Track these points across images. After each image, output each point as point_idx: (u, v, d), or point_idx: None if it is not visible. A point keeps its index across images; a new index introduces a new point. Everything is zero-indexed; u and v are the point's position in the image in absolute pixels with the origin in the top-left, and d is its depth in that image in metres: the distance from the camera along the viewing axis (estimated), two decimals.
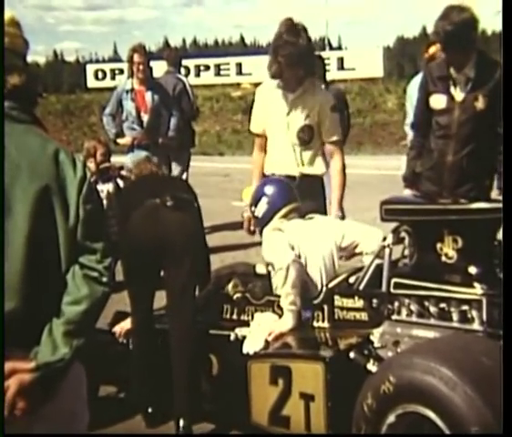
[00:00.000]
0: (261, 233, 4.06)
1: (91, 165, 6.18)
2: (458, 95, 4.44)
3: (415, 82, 5.90)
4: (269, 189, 4.12)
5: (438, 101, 4.50)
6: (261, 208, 4.06)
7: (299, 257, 3.73)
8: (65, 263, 2.00)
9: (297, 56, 4.34)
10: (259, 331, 3.70)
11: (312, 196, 4.48)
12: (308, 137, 4.54)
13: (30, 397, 1.93)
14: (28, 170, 1.97)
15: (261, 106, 4.67)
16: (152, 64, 7.89)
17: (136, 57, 7.61)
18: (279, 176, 4.42)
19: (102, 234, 2.08)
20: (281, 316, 3.72)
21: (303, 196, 4.25)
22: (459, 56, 4.38)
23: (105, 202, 6.14)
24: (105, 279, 2.03)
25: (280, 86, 4.55)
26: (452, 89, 4.46)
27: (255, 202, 4.11)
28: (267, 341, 3.62)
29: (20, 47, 2.15)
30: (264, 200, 4.06)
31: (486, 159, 4.43)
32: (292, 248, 3.73)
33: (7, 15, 2.13)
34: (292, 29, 4.38)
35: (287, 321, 3.66)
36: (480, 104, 4.37)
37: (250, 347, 3.63)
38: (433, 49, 6.88)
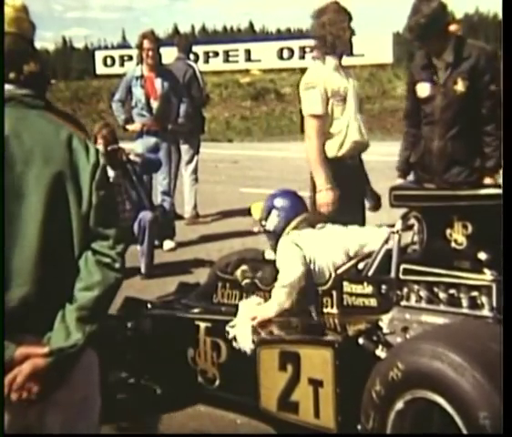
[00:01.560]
0: (273, 247, 4.03)
1: (99, 146, 6.18)
2: (440, 80, 4.51)
3: None
4: (279, 202, 4.08)
5: (423, 89, 4.63)
6: (273, 222, 4.03)
7: (311, 268, 3.76)
8: (77, 249, 2.01)
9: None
10: (244, 325, 3.71)
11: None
12: None
13: (44, 382, 1.94)
14: (42, 156, 1.98)
15: (324, 88, 4.72)
16: (161, 50, 7.88)
17: (145, 43, 7.61)
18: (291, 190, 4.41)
19: (115, 220, 2.09)
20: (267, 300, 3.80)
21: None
22: (435, 44, 4.47)
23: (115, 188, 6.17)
24: (117, 265, 2.04)
25: (337, 68, 4.78)
26: (434, 76, 4.53)
27: (265, 216, 4.07)
28: (255, 329, 3.65)
29: (28, 32, 2.14)
30: (275, 213, 4.03)
31: (471, 141, 4.50)
32: (306, 260, 3.75)
33: (17, 1, 2.12)
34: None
35: (270, 309, 3.71)
36: (460, 86, 4.46)
37: (243, 345, 3.65)
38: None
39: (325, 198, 4.59)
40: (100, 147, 6.21)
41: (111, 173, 6.29)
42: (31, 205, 1.95)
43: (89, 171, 2.03)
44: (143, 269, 6.54)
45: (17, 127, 1.98)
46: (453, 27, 6.32)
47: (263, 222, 4.09)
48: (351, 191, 4.67)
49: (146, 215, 6.50)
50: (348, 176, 4.71)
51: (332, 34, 4.73)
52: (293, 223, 3.98)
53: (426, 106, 4.59)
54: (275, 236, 4.01)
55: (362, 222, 4.67)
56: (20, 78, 2.05)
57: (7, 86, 2.03)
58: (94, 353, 2.15)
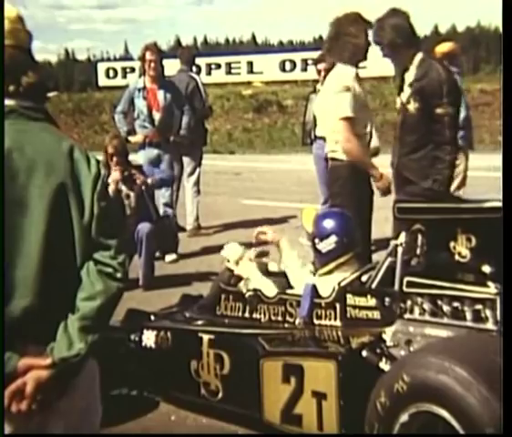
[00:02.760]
0: (316, 268, 3.95)
1: (116, 173, 6.27)
2: (402, 97, 4.57)
3: None
4: (338, 226, 3.86)
5: (397, 102, 4.67)
6: (328, 246, 3.83)
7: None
8: (79, 259, 2.02)
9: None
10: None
11: None
12: None
13: (47, 392, 1.94)
14: (44, 167, 1.99)
15: (354, 91, 4.84)
16: (164, 62, 7.91)
17: (148, 55, 7.64)
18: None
19: (116, 230, 2.09)
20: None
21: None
22: (399, 59, 4.47)
23: (126, 201, 6.20)
24: (119, 275, 2.04)
25: (357, 76, 4.90)
26: (402, 92, 4.60)
27: (320, 236, 3.86)
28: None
29: (25, 43, 2.13)
30: (333, 239, 3.82)
31: (420, 162, 4.49)
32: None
33: (12, 12, 2.10)
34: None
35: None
36: (411, 107, 4.47)
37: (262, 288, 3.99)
38: (444, 47, 6.90)
39: (387, 180, 4.83)
40: (117, 173, 6.27)
41: (123, 188, 6.33)
42: (33, 216, 1.95)
43: (91, 182, 2.04)
44: (141, 281, 6.51)
45: (19, 139, 1.98)
46: (440, 48, 6.37)
47: (316, 240, 3.88)
48: (362, 195, 4.81)
49: (143, 227, 6.48)
50: (361, 180, 4.83)
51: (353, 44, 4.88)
52: (342, 259, 3.84)
53: (397, 118, 4.66)
54: (325, 261, 3.86)
55: (368, 228, 4.79)
56: (19, 91, 2.04)
57: (7, 100, 2.03)
58: (95, 363, 2.15)
